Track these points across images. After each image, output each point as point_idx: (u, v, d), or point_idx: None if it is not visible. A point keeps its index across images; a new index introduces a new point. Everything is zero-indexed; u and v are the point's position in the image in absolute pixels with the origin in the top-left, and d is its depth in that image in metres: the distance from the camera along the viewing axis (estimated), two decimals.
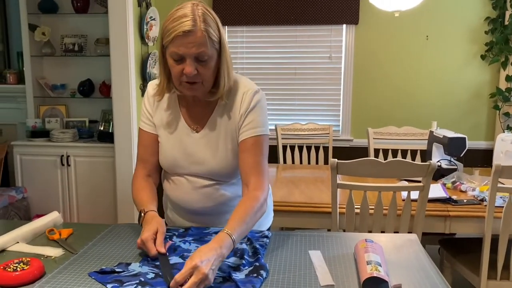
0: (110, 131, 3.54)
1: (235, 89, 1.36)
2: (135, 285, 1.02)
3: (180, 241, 1.30)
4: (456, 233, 2.92)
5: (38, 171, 3.54)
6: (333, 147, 3.43)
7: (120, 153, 3.35)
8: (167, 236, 1.32)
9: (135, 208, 1.39)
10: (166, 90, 1.35)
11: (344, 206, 2.11)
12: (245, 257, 1.17)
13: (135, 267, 1.12)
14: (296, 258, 1.20)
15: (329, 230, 2.98)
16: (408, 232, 2.14)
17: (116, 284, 1.03)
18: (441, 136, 2.73)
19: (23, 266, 1.05)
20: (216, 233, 1.34)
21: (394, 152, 3.26)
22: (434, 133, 2.85)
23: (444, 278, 1.10)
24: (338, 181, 2.07)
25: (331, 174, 2.06)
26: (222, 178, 1.39)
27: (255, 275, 1.07)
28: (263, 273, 1.08)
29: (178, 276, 0.99)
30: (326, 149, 3.39)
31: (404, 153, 3.23)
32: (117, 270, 1.09)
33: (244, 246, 1.22)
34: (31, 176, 3.56)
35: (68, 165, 3.51)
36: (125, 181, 3.36)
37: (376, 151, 3.24)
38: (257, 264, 1.12)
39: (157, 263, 1.15)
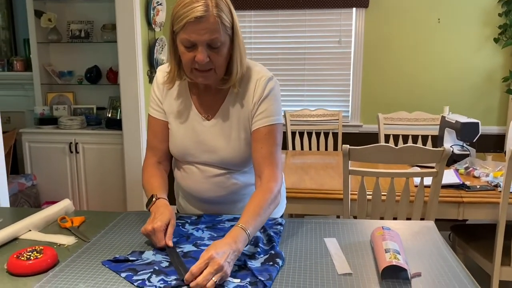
0: (118, 118, 3.52)
1: (248, 76, 1.32)
2: (150, 273, 1.01)
3: (193, 229, 1.28)
4: (468, 219, 2.89)
5: (47, 159, 3.55)
6: (343, 133, 3.39)
7: (129, 140, 3.34)
8: (180, 224, 1.31)
9: (145, 196, 1.37)
10: (176, 77, 1.32)
11: (356, 192, 2.09)
12: (260, 245, 1.15)
13: (149, 255, 1.11)
14: (312, 245, 1.18)
15: (338, 216, 2.97)
16: (421, 219, 2.13)
17: (130, 273, 1.01)
18: (454, 121, 2.68)
19: (37, 254, 1.04)
20: (229, 220, 1.33)
21: (405, 138, 3.22)
22: (446, 118, 2.80)
23: (463, 265, 1.07)
24: (350, 168, 2.04)
25: (343, 160, 2.03)
26: (234, 167, 1.37)
27: (271, 263, 1.05)
28: (279, 261, 1.06)
29: (194, 268, 0.97)
30: (335, 135, 3.36)
31: (415, 138, 3.19)
32: (130, 258, 1.08)
33: (258, 234, 1.20)
34: (40, 163, 3.57)
35: (77, 152, 3.50)
36: (133, 169, 3.35)
37: (387, 137, 3.21)
38: (273, 252, 1.10)
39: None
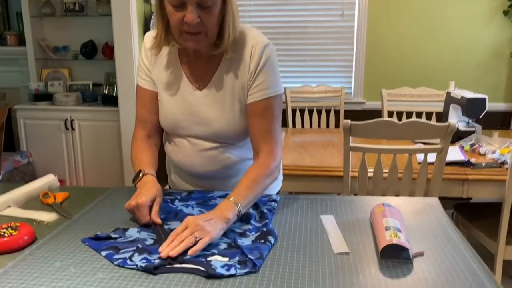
0: (114, 94, 3.44)
1: (242, 41, 1.23)
2: (132, 252, 0.94)
3: (182, 205, 1.21)
4: (471, 198, 2.82)
5: (42, 136, 3.48)
6: (345, 111, 3.30)
7: (125, 117, 3.26)
8: (169, 200, 1.24)
9: None
10: (164, 42, 1.22)
11: (356, 170, 2.01)
12: (252, 222, 1.08)
13: (133, 232, 1.04)
14: (307, 223, 1.11)
15: (338, 194, 2.90)
16: (424, 196, 2.05)
17: (111, 251, 0.94)
18: (459, 97, 2.59)
19: (12, 231, 0.97)
20: (221, 197, 1.26)
21: (409, 114, 3.12)
22: (451, 94, 2.71)
23: (469, 244, 1.00)
24: (351, 144, 1.96)
25: (343, 136, 1.95)
26: (228, 141, 1.29)
27: (262, 241, 0.98)
28: (271, 239, 0.99)
29: (170, 237, 0.94)
30: (337, 112, 3.27)
31: (419, 115, 3.10)
32: (113, 236, 1.01)
33: (250, 210, 1.13)
34: (36, 140, 3.51)
35: (73, 129, 3.43)
36: (130, 146, 3.28)
37: (390, 114, 3.11)
38: (265, 229, 1.03)
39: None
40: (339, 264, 0.91)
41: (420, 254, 0.94)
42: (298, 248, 0.98)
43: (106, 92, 3.58)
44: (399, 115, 3.15)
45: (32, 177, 3.51)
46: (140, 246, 0.96)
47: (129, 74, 3.18)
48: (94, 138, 3.44)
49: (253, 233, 1.03)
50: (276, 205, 1.21)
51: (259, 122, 1.21)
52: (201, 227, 0.95)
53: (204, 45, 1.18)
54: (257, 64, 1.20)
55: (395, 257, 0.94)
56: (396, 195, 2.02)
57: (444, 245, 0.99)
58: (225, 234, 1.01)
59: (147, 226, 1.08)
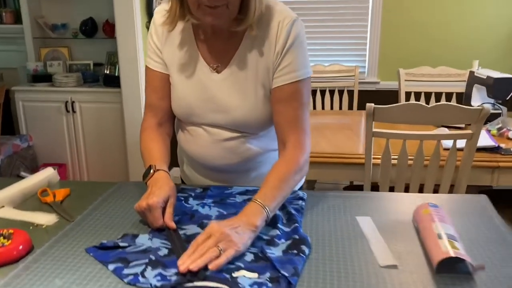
0: (116, 74, 3.27)
1: (268, 16, 1.06)
2: (144, 265, 0.81)
3: (197, 205, 1.07)
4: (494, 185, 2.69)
5: (42, 118, 3.34)
6: (359, 91, 3.13)
7: (128, 98, 3.11)
8: (182, 198, 1.10)
9: None
10: (178, 17, 1.05)
11: (378, 156, 1.87)
12: (279, 226, 0.94)
13: (144, 240, 0.90)
14: (341, 226, 0.97)
15: (351, 182, 2.77)
16: (451, 185, 1.92)
17: (119, 264, 0.81)
18: (485, 77, 2.42)
19: (4, 241, 0.84)
20: (240, 194, 1.12)
21: (427, 96, 2.96)
22: (475, 74, 2.54)
23: None
24: (374, 129, 1.81)
25: (366, 121, 1.80)
26: (250, 130, 1.14)
27: (295, 251, 0.84)
28: (305, 249, 0.85)
29: (191, 247, 0.81)
30: (350, 93, 3.10)
31: (438, 96, 2.94)
32: (121, 244, 0.88)
33: (276, 211, 0.99)
34: (36, 123, 3.37)
35: (74, 111, 3.28)
36: (134, 128, 3.14)
37: (407, 95, 2.95)
38: (297, 237, 0.89)
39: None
40: (387, 280, 0.78)
41: (481, 267, 0.81)
42: (336, 259, 0.84)
43: (108, 72, 3.41)
44: (417, 96, 2.99)
45: (33, 162, 3.38)
46: (153, 258, 0.83)
47: (132, 53, 3.02)
48: (96, 121, 3.29)
49: (283, 240, 0.90)
50: (304, 203, 1.07)
51: (286, 109, 1.07)
52: (227, 236, 0.82)
53: (225, 21, 1.02)
54: (285, 42, 1.05)
55: (451, 271, 0.80)
56: (421, 184, 1.89)
57: (506, 254, 0.86)
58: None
59: (160, 230, 0.95)
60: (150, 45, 1.16)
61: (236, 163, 1.17)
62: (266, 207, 0.91)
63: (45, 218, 1.00)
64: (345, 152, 2.04)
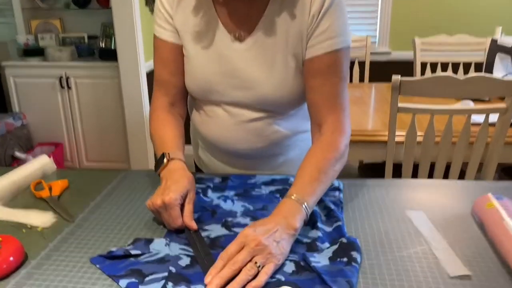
0: (113, 47, 3.08)
1: None
2: (163, 280, 0.66)
3: (218, 198, 0.92)
4: None
5: (36, 95, 3.16)
6: (370, 62, 2.96)
7: (126, 73, 2.92)
8: (200, 191, 0.95)
9: (148, 137, 0.99)
10: None
11: (401, 134, 1.73)
12: (319, 225, 0.80)
13: (160, 245, 0.75)
14: (391, 223, 0.82)
15: (361, 162, 2.62)
16: (480, 163, 1.78)
17: (133, 280, 0.66)
18: (509, 46, 2.25)
19: None
20: (266, 184, 0.97)
21: (444, 66, 2.79)
22: (498, 42, 2.36)
23: None
24: (399, 104, 1.66)
25: (391, 95, 1.64)
26: (278, 109, 0.98)
27: (344, 259, 0.70)
28: (357, 256, 0.70)
29: (220, 260, 0.67)
30: (361, 64, 2.93)
31: (455, 66, 2.76)
32: (133, 253, 0.73)
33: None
34: (29, 101, 3.19)
35: (69, 87, 3.10)
36: (133, 105, 2.96)
37: (423, 65, 2.78)
38: (344, 240, 0.74)
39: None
40: None
41: None
42: (395, 268, 0.70)
43: (103, 45, 3.21)
44: (433, 67, 2.82)
45: (28, 142, 3.22)
46: (173, 270, 0.68)
47: (128, 24, 2.81)
48: (92, 97, 3.11)
49: (326, 244, 0.75)
50: (341, 195, 0.92)
51: (323, 84, 0.90)
52: (265, 248, 0.67)
53: None
54: (322, 2, 0.87)
55: None
56: (448, 162, 1.75)
57: None
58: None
59: (178, 231, 0.80)
60: (158, 10, 0.98)
61: (261, 148, 1.01)
62: (305, 204, 0.76)
63: (41, 218, 0.85)
64: (364, 129, 1.89)
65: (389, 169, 1.78)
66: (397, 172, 1.78)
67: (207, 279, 0.64)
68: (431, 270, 0.69)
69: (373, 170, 2.32)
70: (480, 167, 1.79)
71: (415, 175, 1.76)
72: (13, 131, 3.09)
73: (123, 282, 0.66)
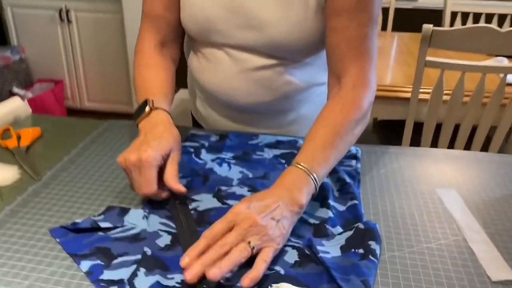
0: None
1: None
2: (134, 265, 0.53)
3: (213, 160, 0.78)
4: None
5: (35, 28, 2.98)
6: (395, 9, 2.72)
7: (129, 7, 2.72)
8: (191, 150, 0.80)
9: None
10: None
11: (427, 89, 1.57)
12: (330, 202, 0.66)
13: (137, 218, 0.62)
14: (417, 204, 0.68)
15: (375, 119, 2.45)
16: (510, 128, 1.62)
17: (97, 262, 0.54)
18: None
19: None
20: (269, 147, 0.82)
21: (476, 17, 2.55)
22: None
23: None
24: (427, 58, 1.47)
25: (420, 46, 1.45)
26: (292, 55, 0.81)
27: (360, 251, 0.56)
28: (376, 247, 0.56)
29: (203, 238, 0.52)
30: (384, 11, 2.68)
31: (488, 18, 2.52)
32: (102, 225, 0.60)
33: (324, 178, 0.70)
34: (28, 33, 3.01)
35: (69, 21, 2.91)
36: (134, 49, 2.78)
37: (453, 15, 2.54)
38: (361, 226, 0.60)
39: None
40: None
41: None
42: (422, 264, 0.56)
43: None
44: (464, 17, 2.58)
45: (27, 77, 3.07)
46: (148, 251, 0.55)
47: None
48: (94, 33, 2.93)
49: (338, 227, 0.61)
50: (359, 165, 0.78)
51: (349, 25, 0.72)
52: (261, 229, 0.53)
53: None
54: None
55: None
56: (475, 125, 1.59)
57: None
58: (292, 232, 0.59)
59: (162, 202, 0.66)
60: None
61: (270, 101, 0.86)
62: (314, 175, 0.62)
63: (3, 175, 0.72)
64: (380, 83, 1.72)
65: (409, 128, 1.63)
66: (416, 132, 1.63)
67: (183, 260, 0.50)
68: (467, 270, 0.55)
69: (390, 129, 2.17)
70: (509, 134, 1.64)
71: (436, 136, 1.61)
72: (11, 65, 2.94)
73: (85, 264, 0.54)
